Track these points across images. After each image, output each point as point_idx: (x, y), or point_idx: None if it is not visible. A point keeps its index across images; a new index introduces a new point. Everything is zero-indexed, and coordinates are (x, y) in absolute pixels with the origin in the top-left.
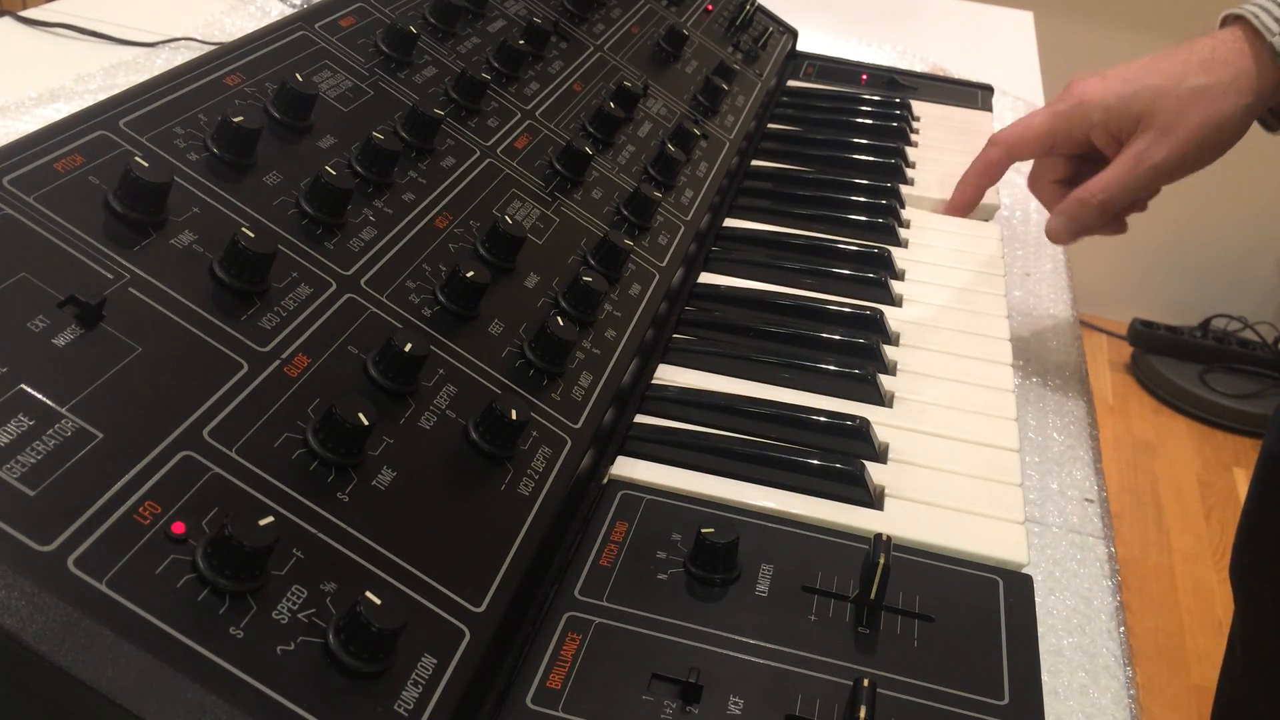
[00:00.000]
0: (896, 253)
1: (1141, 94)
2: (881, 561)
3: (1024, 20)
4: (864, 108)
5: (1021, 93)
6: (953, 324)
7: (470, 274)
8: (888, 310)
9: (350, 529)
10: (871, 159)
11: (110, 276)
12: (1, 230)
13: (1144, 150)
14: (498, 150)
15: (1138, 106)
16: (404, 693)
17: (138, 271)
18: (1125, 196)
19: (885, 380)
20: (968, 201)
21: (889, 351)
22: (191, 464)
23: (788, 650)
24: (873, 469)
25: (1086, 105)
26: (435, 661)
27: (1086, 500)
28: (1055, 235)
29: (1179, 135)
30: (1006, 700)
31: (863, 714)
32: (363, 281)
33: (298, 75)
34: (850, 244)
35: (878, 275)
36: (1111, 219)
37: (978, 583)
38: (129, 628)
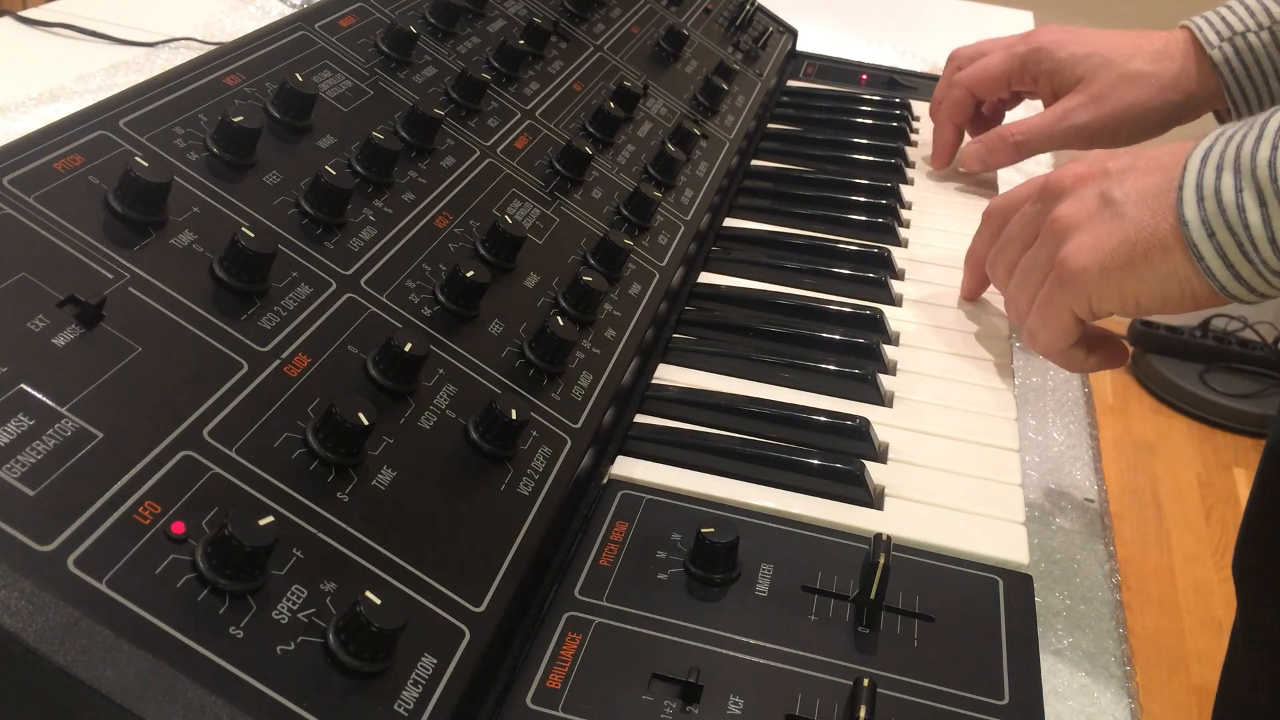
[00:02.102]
0: (896, 253)
1: (1091, 59)
2: (881, 561)
3: (1024, 20)
4: (864, 108)
5: None
6: (953, 324)
7: (470, 274)
8: (888, 310)
9: (350, 529)
10: (871, 159)
11: (110, 276)
12: (1, 230)
13: (1071, 109)
14: (498, 150)
15: (1083, 69)
16: (404, 692)
17: (138, 271)
18: (1041, 145)
19: (885, 380)
20: (949, 142)
21: (889, 351)
22: (191, 464)
23: (788, 650)
24: (873, 469)
25: (1041, 53)
26: (435, 661)
27: (1086, 500)
28: (965, 161)
29: (1104, 107)
30: (1006, 700)
31: (863, 714)
32: (363, 281)
33: (298, 75)
34: (850, 244)
35: (878, 275)
36: (1016, 161)
37: (978, 583)
38: (129, 627)
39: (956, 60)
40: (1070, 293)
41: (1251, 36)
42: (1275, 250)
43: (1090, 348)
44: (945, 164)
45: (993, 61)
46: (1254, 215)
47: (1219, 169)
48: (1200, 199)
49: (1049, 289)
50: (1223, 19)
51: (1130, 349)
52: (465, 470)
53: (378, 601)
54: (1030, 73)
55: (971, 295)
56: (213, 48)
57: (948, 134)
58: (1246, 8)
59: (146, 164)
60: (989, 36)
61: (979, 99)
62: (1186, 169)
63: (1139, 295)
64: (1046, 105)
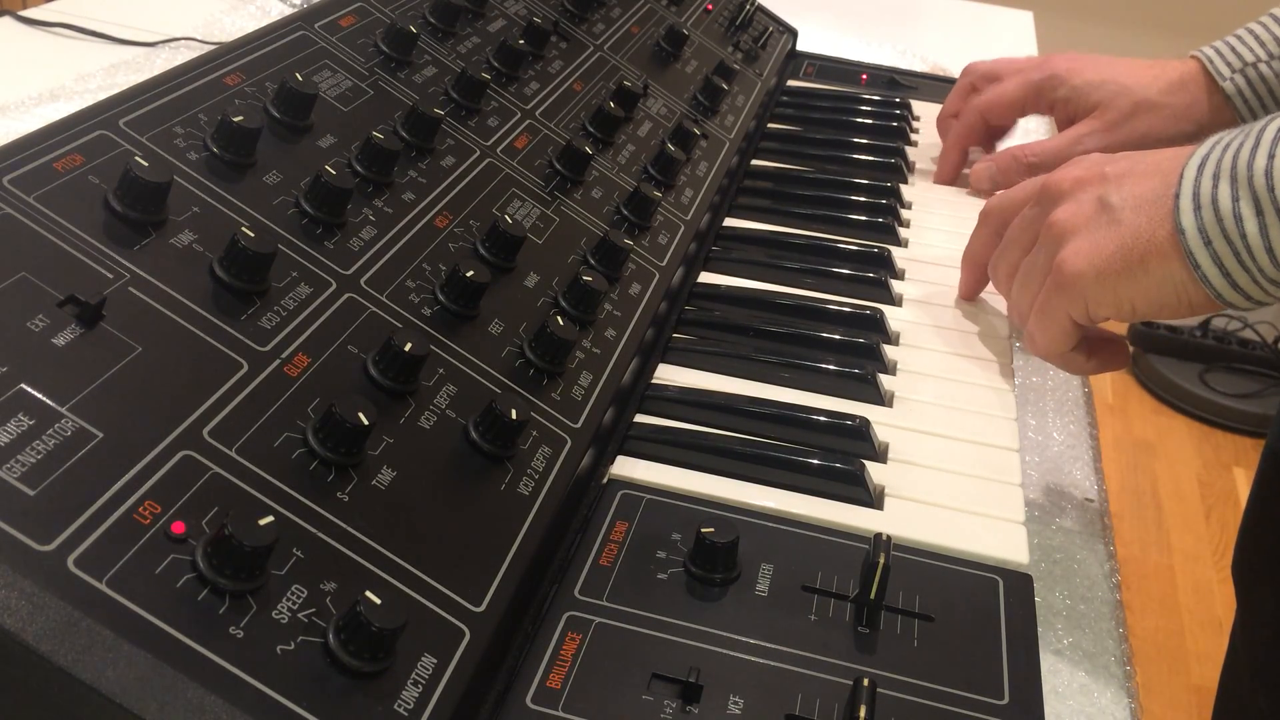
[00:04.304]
0: (896, 253)
1: (1107, 85)
2: (881, 561)
3: (1024, 20)
4: (864, 108)
5: None
6: (953, 324)
7: (470, 274)
8: (888, 310)
9: (350, 529)
10: (871, 159)
11: (110, 276)
12: (1, 230)
13: (1085, 134)
14: (498, 150)
15: (1099, 95)
16: (404, 692)
17: (138, 271)
18: (1053, 167)
19: (885, 380)
20: (954, 165)
21: (889, 351)
22: (191, 463)
23: (788, 650)
24: (873, 469)
25: (1056, 80)
26: (435, 661)
27: (1086, 500)
28: (976, 179)
29: (1118, 135)
30: (1006, 700)
31: (863, 714)
32: (363, 281)
33: (298, 75)
34: (850, 244)
35: (878, 275)
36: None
37: (978, 582)
38: (129, 627)
39: (970, 75)
40: (1067, 297)
41: (1264, 67)
42: (1272, 259)
43: (1090, 351)
44: (948, 182)
45: (1008, 88)
46: (1251, 225)
47: (1215, 177)
48: (1197, 207)
49: (1046, 293)
50: (1233, 50)
51: (1131, 350)
52: (465, 470)
53: (378, 601)
54: (1045, 99)
55: (969, 295)
56: (213, 48)
57: (954, 156)
58: (1257, 38)
59: (146, 164)
60: (989, 36)
61: (989, 123)
62: (1184, 176)
63: (1135, 300)
64: (1061, 130)
